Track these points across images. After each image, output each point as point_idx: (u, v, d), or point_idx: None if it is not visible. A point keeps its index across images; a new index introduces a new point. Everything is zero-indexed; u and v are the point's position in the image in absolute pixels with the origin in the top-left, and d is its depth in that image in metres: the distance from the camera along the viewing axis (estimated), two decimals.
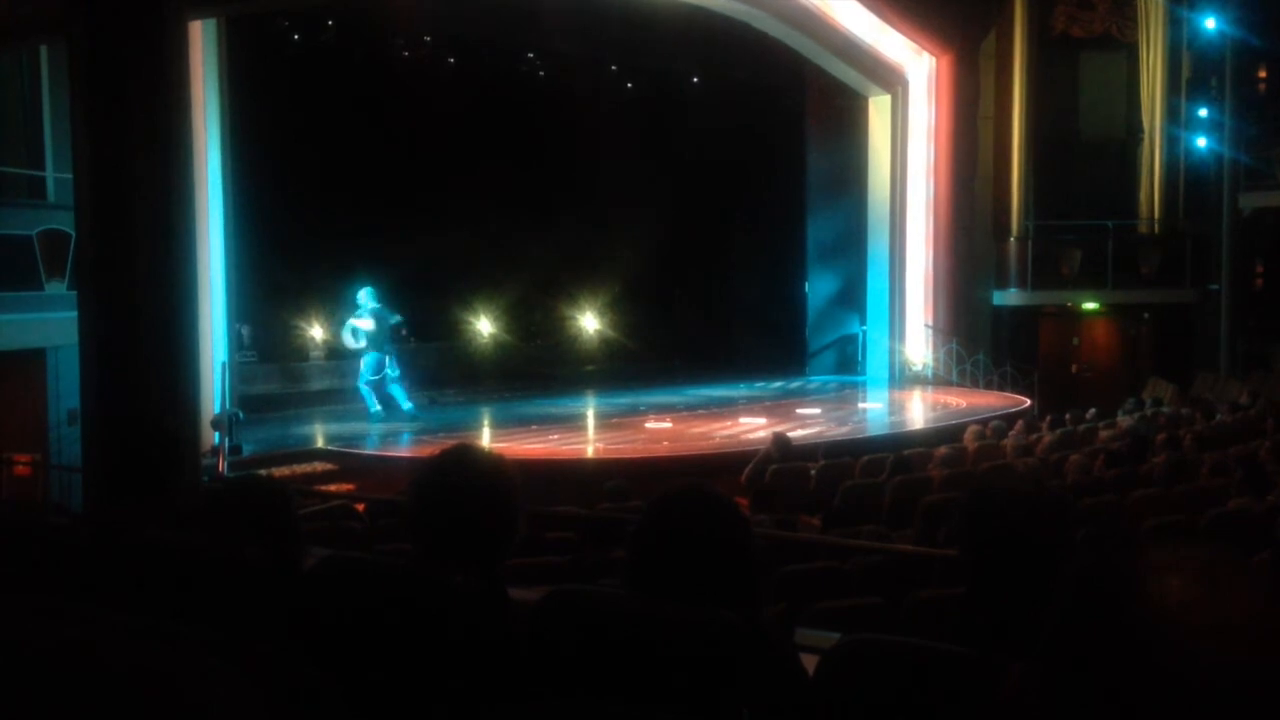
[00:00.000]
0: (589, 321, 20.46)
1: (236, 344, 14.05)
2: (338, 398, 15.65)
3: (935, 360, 19.61)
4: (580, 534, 6.39)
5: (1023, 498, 2.32)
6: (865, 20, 18.34)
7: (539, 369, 19.46)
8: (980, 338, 19.55)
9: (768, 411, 15.40)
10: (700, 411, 15.55)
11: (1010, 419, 13.04)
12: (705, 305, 21.67)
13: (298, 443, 12.72)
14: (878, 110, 20.04)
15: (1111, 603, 0.89)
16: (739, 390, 18.12)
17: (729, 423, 14.31)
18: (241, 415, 11.66)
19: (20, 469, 11.42)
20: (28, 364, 11.89)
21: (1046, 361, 19.79)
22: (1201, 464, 8.94)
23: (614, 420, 14.95)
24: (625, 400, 16.82)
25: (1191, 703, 0.84)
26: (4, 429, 11.67)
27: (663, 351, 20.68)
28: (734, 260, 22.35)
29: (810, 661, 1.91)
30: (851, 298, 20.60)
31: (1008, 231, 20.13)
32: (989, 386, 18.34)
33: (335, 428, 13.81)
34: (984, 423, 12.32)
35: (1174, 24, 20.00)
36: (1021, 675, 1.00)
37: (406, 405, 14.22)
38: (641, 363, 20.10)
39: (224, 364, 11.79)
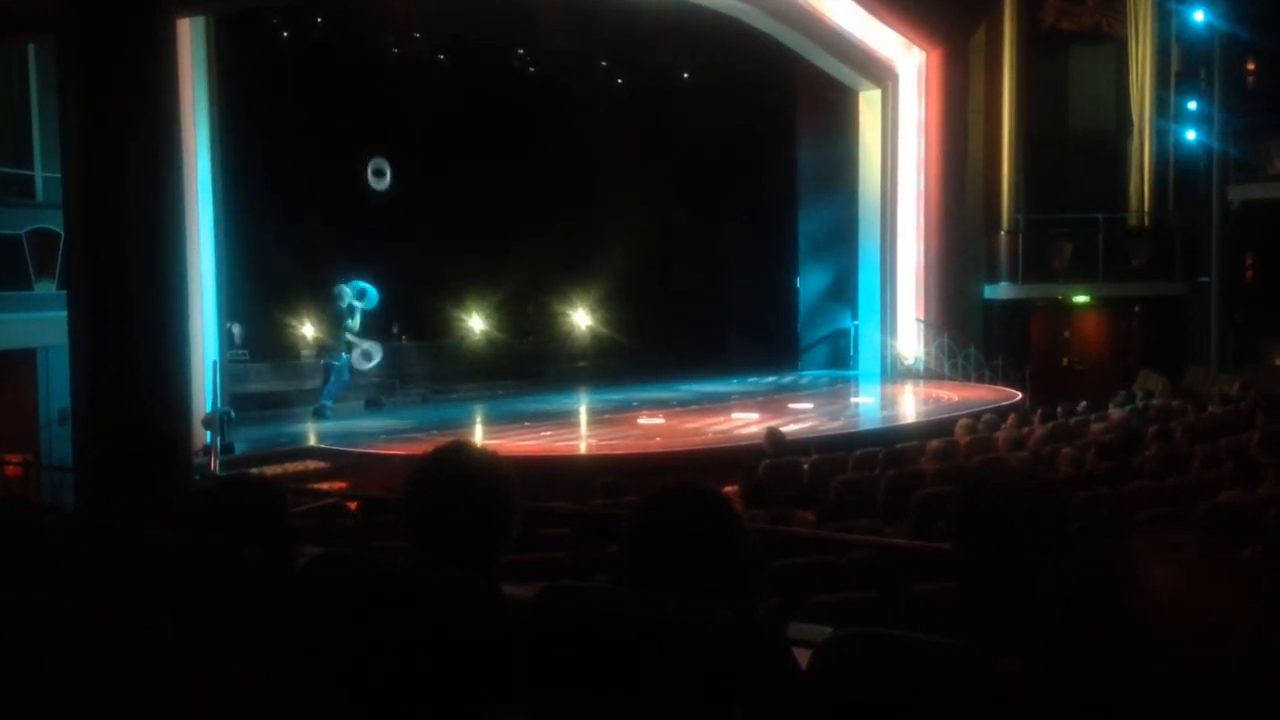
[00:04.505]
0: (581, 318, 20.45)
1: (228, 343, 14.04)
2: None
3: (927, 354, 19.65)
4: (575, 530, 6.39)
5: (1018, 494, 2.32)
6: (855, 15, 18.35)
7: (531, 365, 19.45)
8: (972, 331, 19.59)
9: (760, 407, 15.41)
10: (693, 407, 15.55)
11: (1002, 412, 13.05)
12: (697, 301, 21.66)
13: (289, 441, 12.68)
14: (868, 105, 20.07)
15: (1101, 596, 0.90)
16: (731, 386, 18.13)
17: (722, 418, 14.31)
18: (233, 414, 11.66)
19: (11, 469, 11.39)
20: (18, 364, 11.87)
21: (1038, 355, 19.84)
22: (1193, 457, 8.97)
23: (607, 416, 14.94)
24: (618, 396, 16.82)
25: (1180, 696, 0.85)
26: None
27: (655, 347, 20.67)
28: (725, 256, 22.36)
29: (806, 656, 1.91)
30: (843, 292, 20.63)
31: (998, 225, 20.16)
32: (980, 380, 18.37)
33: (327, 426, 13.79)
34: (976, 416, 12.34)
35: (1163, 17, 20.05)
36: (1012, 669, 1.00)
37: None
38: (634, 358, 20.10)
39: (215, 363, 11.77)
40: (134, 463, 2.81)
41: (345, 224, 16.79)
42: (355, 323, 14.71)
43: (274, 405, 14.83)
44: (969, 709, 1.73)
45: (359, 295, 14.81)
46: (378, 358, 15.06)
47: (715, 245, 22.08)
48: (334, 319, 14.66)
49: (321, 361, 14.93)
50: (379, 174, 15.77)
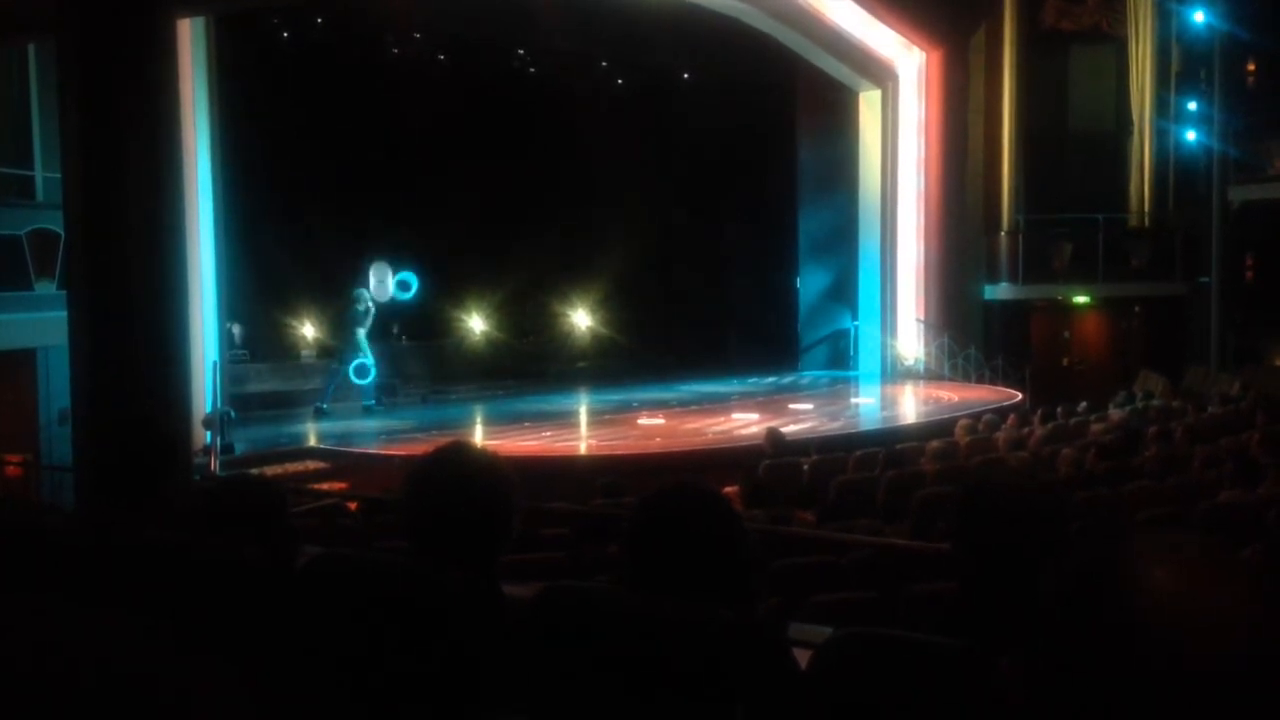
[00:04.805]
0: (581, 318, 20.46)
1: (228, 343, 14.05)
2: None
3: (927, 355, 19.64)
4: (575, 530, 6.39)
5: (1018, 494, 2.32)
6: (855, 16, 18.36)
7: (531, 365, 19.46)
8: (972, 332, 19.59)
9: (760, 407, 15.41)
10: (693, 407, 15.55)
11: (1002, 413, 13.05)
12: (697, 301, 21.68)
13: (289, 441, 12.69)
14: (868, 105, 20.07)
15: (1101, 596, 0.90)
16: (731, 386, 18.13)
17: (722, 419, 14.31)
18: (233, 414, 11.66)
19: (11, 469, 11.39)
20: (18, 364, 11.86)
21: (1038, 355, 19.84)
22: (1193, 457, 8.96)
23: (607, 417, 14.95)
24: (618, 397, 16.81)
25: (1180, 696, 0.85)
26: None
27: (655, 347, 20.68)
28: (726, 256, 22.38)
29: (806, 656, 1.91)
30: (843, 293, 20.63)
31: (998, 225, 20.16)
32: (981, 381, 18.37)
33: (327, 426, 13.80)
34: (976, 417, 12.34)
35: (1163, 17, 20.05)
36: (1012, 669, 1.00)
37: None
38: (634, 358, 20.10)
39: (215, 363, 11.78)
40: (134, 463, 2.81)
41: (344, 224, 16.79)
42: (367, 328, 14.78)
43: (274, 405, 14.83)
44: (969, 709, 1.73)
45: (403, 286, 15.10)
46: (371, 375, 15.04)
47: (715, 245, 22.09)
48: (349, 321, 14.67)
49: (332, 365, 14.94)
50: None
